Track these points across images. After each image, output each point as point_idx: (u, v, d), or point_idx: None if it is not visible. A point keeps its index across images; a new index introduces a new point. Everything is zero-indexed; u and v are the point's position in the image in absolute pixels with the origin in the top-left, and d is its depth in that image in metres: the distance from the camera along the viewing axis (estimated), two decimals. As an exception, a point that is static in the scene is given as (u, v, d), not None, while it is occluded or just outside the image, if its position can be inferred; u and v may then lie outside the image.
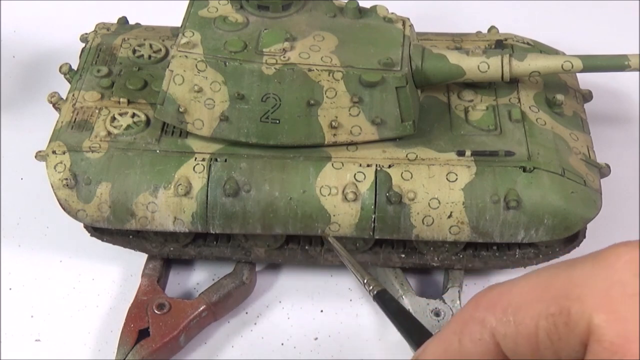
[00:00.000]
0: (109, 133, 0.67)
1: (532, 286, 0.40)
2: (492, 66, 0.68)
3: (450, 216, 0.64)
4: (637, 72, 0.73)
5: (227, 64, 0.64)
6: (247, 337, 0.68)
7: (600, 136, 0.76)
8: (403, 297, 0.67)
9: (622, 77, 0.79)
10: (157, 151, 0.66)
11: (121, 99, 0.70)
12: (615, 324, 0.36)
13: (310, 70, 0.63)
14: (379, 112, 0.65)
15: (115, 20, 0.80)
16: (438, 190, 0.64)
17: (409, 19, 0.70)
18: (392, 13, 0.70)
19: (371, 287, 0.58)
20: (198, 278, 0.72)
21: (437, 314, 0.65)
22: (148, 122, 0.69)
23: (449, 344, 0.43)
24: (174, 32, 0.77)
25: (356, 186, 0.64)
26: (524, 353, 0.39)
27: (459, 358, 0.42)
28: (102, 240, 0.70)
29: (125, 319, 0.66)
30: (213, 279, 0.71)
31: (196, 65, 0.64)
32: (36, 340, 0.67)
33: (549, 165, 0.65)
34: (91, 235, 0.70)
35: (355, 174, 0.64)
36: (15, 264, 0.73)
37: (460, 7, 1.00)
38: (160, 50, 0.76)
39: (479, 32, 0.80)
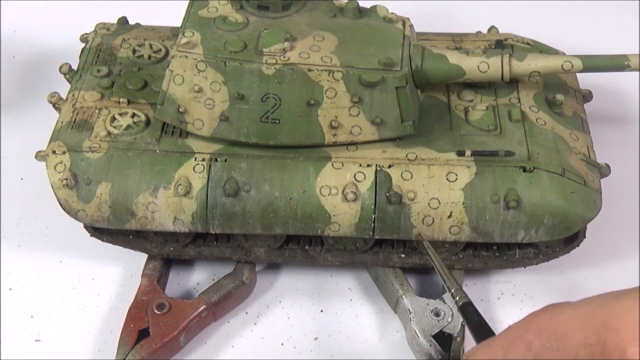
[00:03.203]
0: (109, 133, 0.67)
1: (579, 314, 0.41)
2: (492, 66, 0.68)
3: (450, 216, 0.64)
4: (637, 72, 0.73)
5: (227, 64, 0.64)
6: (247, 337, 0.68)
7: (600, 136, 0.76)
8: (403, 297, 0.67)
9: (622, 77, 0.78)
10: (157, 151, 0.66)
11: (121, 99, 0.70)
12: None
13: (310, 70, 0.63)
14: (379, 112, 0.65)
15: (115, 20, 0.80)
16: (438, 190, 0.64)
17: (409, 19, 0.70)
18: (392, 13, 0.70)
19: (457, 298, 0.59)
20: (198, 278, 0.72)
21: (437, 314, 0.65)
22: (148, 122, 0.69)
23: (494, 355, 0.46)
24: (174, 32, 0.77)
25: (356, 186, 0.64)
26: None
27: None
28: (102, 240, 0.70)
29: (125, 319, 0.66)
30: (213, 279, 0.71)
31: (196, 65, 0.64)
32: (36, 340, 0.67)
33: (549, 165, 0.65)
34: (91, 235, 0.70)
35: (355, 174, 0.64)
36: (15, 264, 0.73)
37: (460, 7, 1.00)
38: (160, 50, 0.76)
39: (479, 32, 0.80)
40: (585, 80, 0.78)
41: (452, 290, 0.60)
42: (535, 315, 0.45)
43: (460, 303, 0.59)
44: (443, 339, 0.64)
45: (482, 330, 0.56)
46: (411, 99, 0.65)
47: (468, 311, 0.58)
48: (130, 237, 0.70)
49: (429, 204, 0.64)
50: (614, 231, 0.75)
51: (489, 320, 0.68)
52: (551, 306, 0.45)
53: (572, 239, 0.68)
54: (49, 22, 0.97)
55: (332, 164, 0.65)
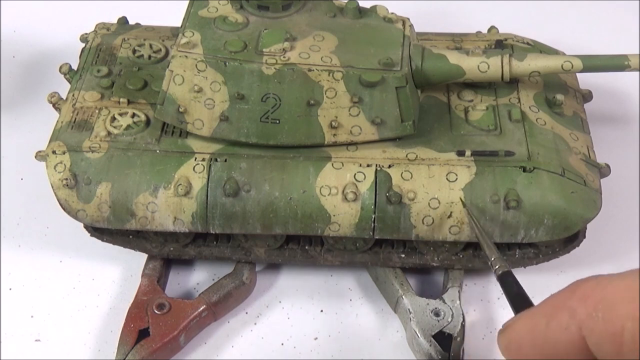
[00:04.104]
0: (109, 133, 0.67)
1: (627, 285, 0.40)
2: (492, 66, 0.68)
3: (450, 216, 0.64)
4: (637, 72, 0.73)
5: (227, 64, 0.64)
6: (247, 337, 0.68)
7: (600, 136, 0.76)
8: (403, 297, 0.67)
9: (622, 77, 0.78)
10: (157, 151, 0.66)
11: (121, 99, 0.70)
12: None
13: (310, 70, 0.63)
14: (379, 112, 0.65)
15: (115, 20, 0.80)
16: (438, 190, 0.64)
17: (409, 19, 0.70)
18: (392, 13, 0.70)
19: (497, 267, 0.57)
20: (198, 278, 0.72)
21: (437, 314, 0.65)
22: (148, 122, 0.69)
23: (536, 324, 0.44)
24: (174, 32, 0.77)
25: (356, 186, 0.64)
26: (608, 351, 0.39)
27: (543, 340, 0.43)
28: (102, 240, 0.70)
29: (125, 319, 0.66)
30: (213, 279, 0.71)
31: (196, 65, 0.64)
32: (36, 340, 0.67)
33: (549, 165, 0.65)
34: (91, 235, 0.70)
35: (355, 174, 0.64)
36: (15, 264, 0.73)
37: (460, 7, 1.00)
38: (160, 50, 0.76)
39: (479, 32, 0.80)
40: (585, 80, 0.78)
41: (492, 259, 0.58)
42: (578, 284, 0.43)
43: (500, 272, 0.56)
44: (443, 339, 0.64)
45: (521, 301, 0.53)
46: (411, 99, 0.65)
47: (507, 281, 0.55)
48: (130, 237, 0.70)
49: (429, 204, 0.64)
50: (614, 231, 0.75)
51: (488, 320, 0.69)
52: (594, 277, 0.43)
53: (572, 239, 0.68)
54: (49, 22, 0.97)
55: (332, 164, 0.65)
